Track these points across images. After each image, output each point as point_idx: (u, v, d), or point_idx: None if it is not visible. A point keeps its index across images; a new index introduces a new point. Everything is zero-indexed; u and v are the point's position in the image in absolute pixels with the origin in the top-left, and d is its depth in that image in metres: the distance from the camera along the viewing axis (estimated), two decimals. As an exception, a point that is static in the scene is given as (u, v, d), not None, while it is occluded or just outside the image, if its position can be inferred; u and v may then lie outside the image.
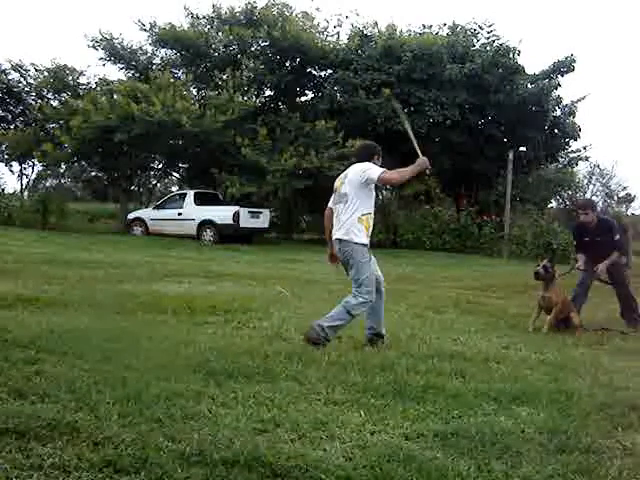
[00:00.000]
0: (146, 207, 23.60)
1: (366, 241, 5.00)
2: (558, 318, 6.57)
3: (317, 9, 37.30)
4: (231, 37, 22.15)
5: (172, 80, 21.06)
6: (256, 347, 4.74)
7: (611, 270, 7.23)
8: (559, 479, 2.70)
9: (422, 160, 5.12)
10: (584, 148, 29.78)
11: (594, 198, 40.52)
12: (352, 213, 4.97)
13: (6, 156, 24.86)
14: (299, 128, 21.14)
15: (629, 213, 38.11)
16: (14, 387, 3.39)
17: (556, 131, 23.55)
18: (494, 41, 22.34)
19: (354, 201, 4.97)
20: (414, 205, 24.89)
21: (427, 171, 5.21)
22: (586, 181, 39.68)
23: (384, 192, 27.22)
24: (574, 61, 22.04)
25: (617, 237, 7.13)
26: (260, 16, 22.38)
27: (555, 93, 22.43)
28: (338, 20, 23.45)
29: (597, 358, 5.14)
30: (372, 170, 4.94)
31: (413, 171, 5.11)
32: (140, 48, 23.53)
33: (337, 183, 5.20)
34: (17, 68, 23.31)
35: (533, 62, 68.25)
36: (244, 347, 4.72)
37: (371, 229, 5.09)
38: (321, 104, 22.22)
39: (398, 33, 22.62)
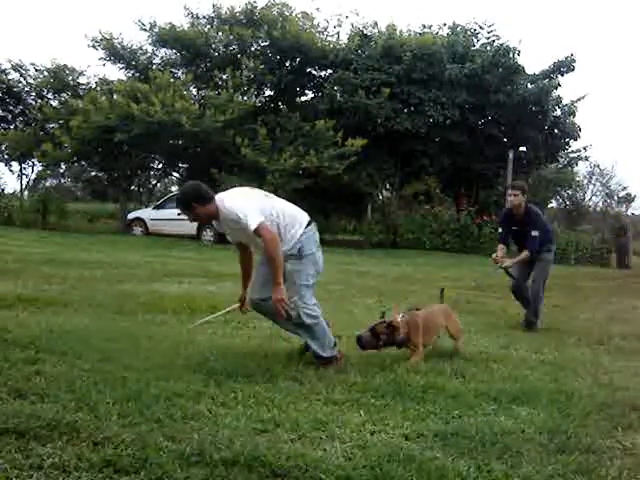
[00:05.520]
0: (146, 207, 23.59)
1: None
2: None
3: (317, 9, 37.28)
4: (231, 37, 22.15)
5: (172, 80, 21.06)
6: (256, 347, 4.74)
7: (536, 267, 6.63)
8: (559, 479, 2.70)
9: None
10: (584, 148, 29.89)
11: (594, 198, 40.64)
12: None
13: (6, 156, 24.87)
14: (299, 128, 21.13)
15: (629, 213, 38.12)
16: (14, 387, 3.39)
17: (556, 131, 23.57)
18: (494, 41, 22.37)
19: None
20: (414, 205, 24.89)
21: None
22: (586, 181, 39.72)
23: (384, 192, 27.25)
24: (574, 61, 22.08)
25: (535, 233, 6.40)
26: (260, 16, 22.39)
27: (555, 93, 22.46)
28: (338, 20, 23.47)
29: (597, 358, 5.15)
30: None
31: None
32: (140, 48, 23.52)
33: None
34: (17, 68, 23.30)
35: (533, 62, 68.31)
36: (244, 347, 4.72)
37: None
38: (321, 104, 22.22)
39: (398, 33, 22.62)
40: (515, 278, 6.63)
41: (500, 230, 6.92)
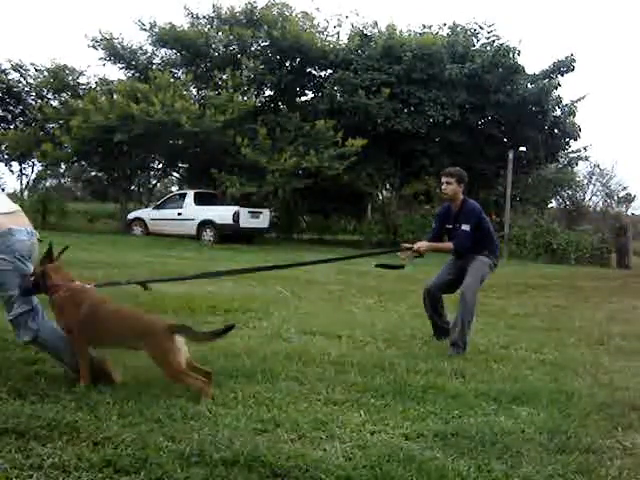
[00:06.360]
0: (146, 207, 23.60)
1: None
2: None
3: (317, 9, 37.43)
4: (231, 37, 22.17)
5: (172, 80, 21.08)
6: (256, 347, 4.74)
7: (470, 267, 5.23)
8: (559, 479, 2.70)
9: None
10: (584, 148, 29.88)
11: (594, 198, 40.63)
12: None
13: (6, 156, 24.87)
14: (299, 128, 21.14)
15: (629, 213, 38.11)
16: (14, 387, 3.39)
17: (556, 131, 23.57)
18: (494, 41, 22.36)
19: None
20: (414, 205, 24.88)
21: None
22: (586, 181, 39.71)
23: (384, 192, 27.24)
24: (574, 61, 22.07)
25: (466, 228, 5.16)
26: (260, 16, 22.41)
27: (555, 93, 22.46)
28: (338, 20, 23.51)
29: (597, 358, 5.14)
30: None
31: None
32: (140, 48, 23.56)
33: None
34: (17, 68, 23.32)
35: (533, 62, 68.33)
36: (244, 347, 4.72)
37: None
38: (321, 104, 22.23)
39: (398, 33, 22.63)
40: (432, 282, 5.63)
41: (433, 225, 5.73)
